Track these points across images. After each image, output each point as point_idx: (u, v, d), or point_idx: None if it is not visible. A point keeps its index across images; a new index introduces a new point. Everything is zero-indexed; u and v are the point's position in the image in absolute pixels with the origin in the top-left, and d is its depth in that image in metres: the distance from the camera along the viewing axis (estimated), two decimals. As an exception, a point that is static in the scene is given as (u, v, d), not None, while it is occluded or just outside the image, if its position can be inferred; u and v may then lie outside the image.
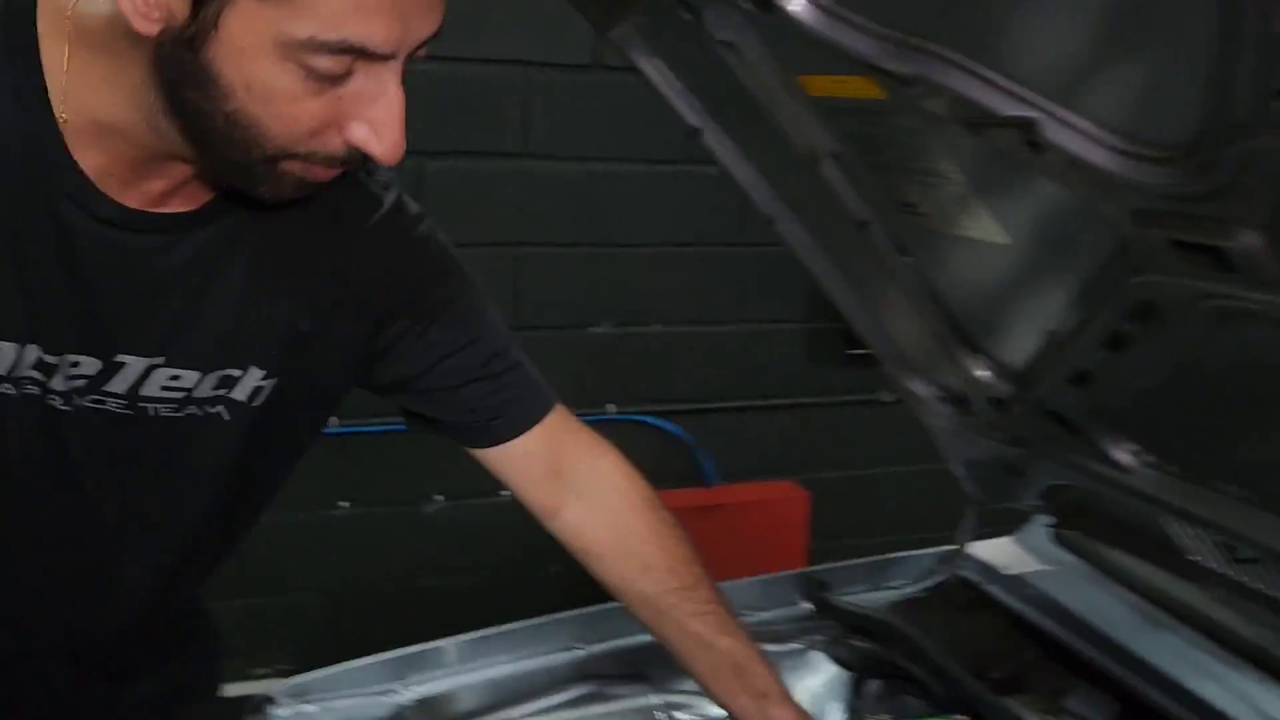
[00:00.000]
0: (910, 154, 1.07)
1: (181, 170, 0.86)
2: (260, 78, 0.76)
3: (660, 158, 3.07)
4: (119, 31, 0.76)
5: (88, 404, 0.92)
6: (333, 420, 3.09)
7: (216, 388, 0.96)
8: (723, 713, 1.21)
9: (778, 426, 3.37)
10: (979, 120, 0.84)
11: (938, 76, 0.85)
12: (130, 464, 0.97)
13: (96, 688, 1.07)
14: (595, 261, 3.08)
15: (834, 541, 3.26)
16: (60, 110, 0.82)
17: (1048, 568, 1.61)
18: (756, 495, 3.21)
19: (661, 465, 3.24)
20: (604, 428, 3.47)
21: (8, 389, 0.88)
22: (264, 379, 0.97)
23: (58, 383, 0.90)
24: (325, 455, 2.84)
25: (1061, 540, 1.65)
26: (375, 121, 0.80)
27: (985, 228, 1.06)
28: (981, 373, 1.34)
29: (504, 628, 1.49)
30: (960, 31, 0.84)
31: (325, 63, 0.75)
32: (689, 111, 1.34)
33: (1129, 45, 0.72)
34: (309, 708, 1.31)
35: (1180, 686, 1.28)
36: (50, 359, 0.88)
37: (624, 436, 3.59)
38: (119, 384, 0.92)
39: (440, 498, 3.07)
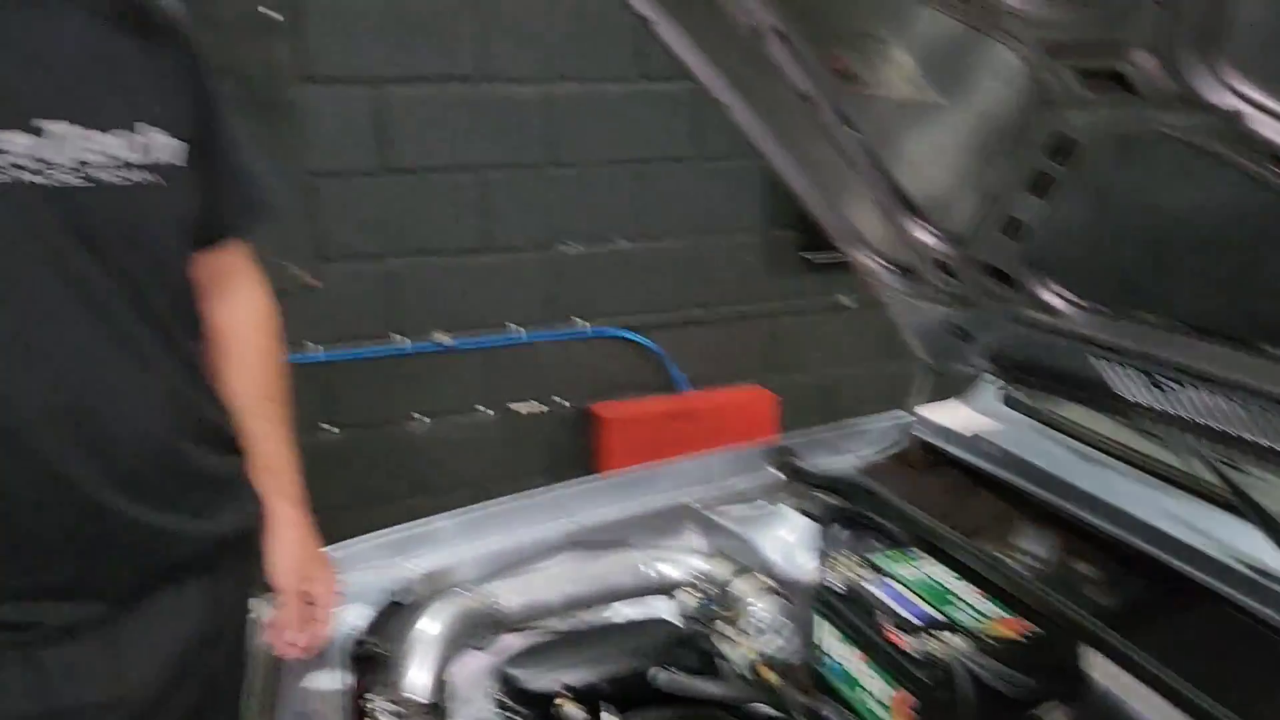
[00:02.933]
0: (848, 22, 1.15)
1: None
2: None
3: (614, 75, 3.13)
4: None
5: (41, 180, 1.00)
6: (316, 348, 3.18)
7: (140, 153, 1.07)
8: (725, 570, 1.35)
9: (742, 334, 3.48)
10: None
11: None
12: (96, 240, 1.05)
13: (141, 515, 1.11)
14: (558, 182, 3.15)
15: (803, 443, 3.40)
16: None
17: (997, 425, 1.73)
18: (725, 400, 3.33)
19: (633, 375, 3.35)
20: (576, 342, 3.58)
21: None
22: (168, 137, 1.09)
23: (7, 166, 0.98)
24: (309, 383, 2.93)
25: (1008, 400, 1.77)
26: None
27: (918, 88, 1.14)
28: (925, 237, 1.43)
29: (495, 503, 1.59)
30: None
31: None
32: (639, 2, 1.40)
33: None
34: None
35: (1116, 510, 1.41)
36: None
37: (595, 350, 3.71)
38: (59, 154, 1.01)
39: (421, 416, 3.16)
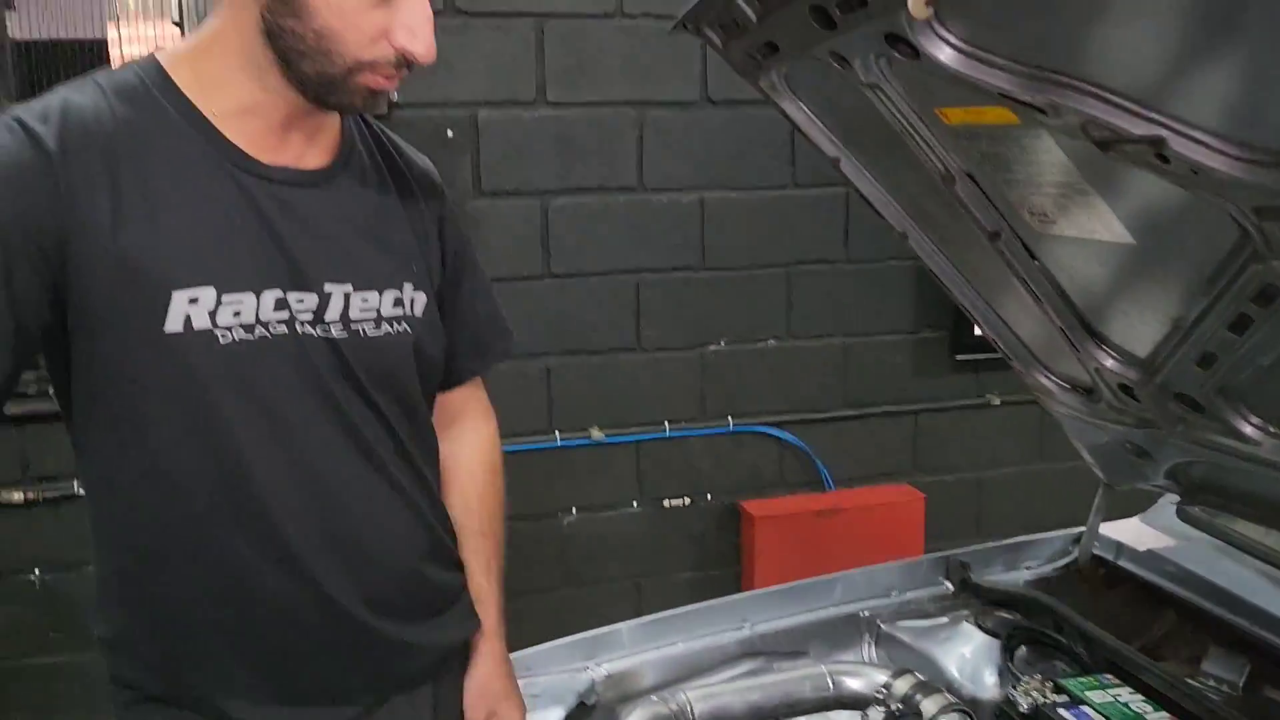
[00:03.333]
0: (1040, 170, 1.21)
1: (304, 127, 1.15)
2: None
3: (766, 184, 3.24)
4: (227, 32, 1.09)
5: (319, 334, 1.14)
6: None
7: (394, 306, 1.20)
8: (910, 687, 1.39)
9: (890, 432, 3.50)
10: (1111, 139, 0.99)
11: (1070, 103, 1.00)
12: (358, 382, 1.17)
13: (387, 629, 1.21)
14: (709, 284, 3.26)
15: (950, 542, 3.36)
16: (207, 112, 1.11)
17: (1176, 542, 1.72)
18: (874, 499, 3.34)
19: (781, 472, 3.40)
20: (725, 439, 3.65)
21: (262, 333, 1.10)
22: (415, 291, 1.23)
23: (295, 318, 1.12)
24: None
25: (1186, 516, 1.76)
26: (413, 25, 1.08)
27: (1111, 230, 1.20)
28: (1109, 362, 1.46)
29: (675, 611, 1.66)
30: (1086, 60, 0.98)
31: None
32: (827, 143, 1.49)
33: (1238, 69, 0.86)
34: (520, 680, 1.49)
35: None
36: (281, 298, 1.11)
37: (743, 446, 3.77)
38: (333, 312, 1.15)
39: (575, 510, 3.26)
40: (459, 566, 1.35)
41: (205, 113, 1.11)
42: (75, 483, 2.82)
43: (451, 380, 1.37)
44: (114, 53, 2.86)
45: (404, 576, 1.23)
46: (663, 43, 3.01)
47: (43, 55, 2.75)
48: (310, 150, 1.17)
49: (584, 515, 3.27)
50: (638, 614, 1.70)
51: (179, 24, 2.80)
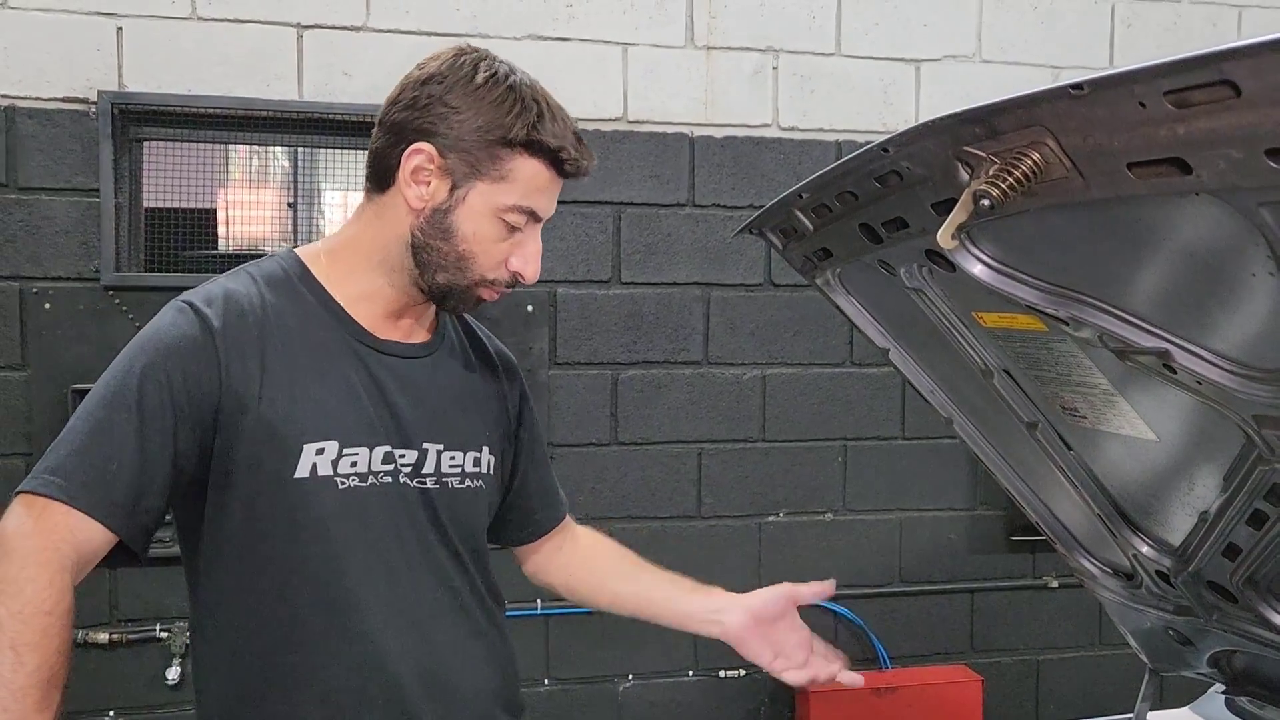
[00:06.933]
0: (1068, 370, 1.33)
1: (413, 313, 1.36)
2: (482, 227, 1.28)
3: (824, 361, 3.39)
4: (365, 236, 1.32)
5: (415, 485, 1.32)
6: (536, 603, 3.41)
7: (474, 465, 1.39)
8: None
9: (946, 611, 3.50)
10: (1123, 349, 1.12)
11: (1087, 317, 1.13)
12: (444, 530, 1.34)
13: (436, 705, 1.32)
14: (770, 455, 3.37)
15: (1008, 726, 3.34)
16: (337, 296, 1.32)
17: (1225, 733, 1.74)
18: (930, 678, 3.32)
19: (837, 648, 3.40)
20: (782, 612, 3.60)
21: (372, 481, 1.27)
22: (489, 454, 1.42)
23: (399, 470, 1.29)
24: (534, 636, 3.14)
25: (1233, 707, 1.78)
26: (528, 256, 1.32)
27: (1135, 427, 1.30)
28: (1145, 549, 1.54)
29: None
30: (1101, 283, 1.12)
31: (515, 218, 1.28)
32: (878, 335, 1.64)
33: (1231, 302, 0.99)
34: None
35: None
36: (389, 452, 1.29)
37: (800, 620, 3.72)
38: (428, 467, 1.33)
39: (630, 677, 3.29)
40: (521, 710, 1.46)
41: (336, 298, 1.32)
42: (158, 626, 2.96)
43: (548, 526, 1.60)
44: (220, 216, 3.18)
45: (479, 710, 1.35)
46: (729, 230, 3.23)
47: (164, 221, 3.05)
48: (416, 330, 1.39)
49: (639, 682, 3.30)
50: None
51: (292, 205, 3.09)
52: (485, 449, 1.41)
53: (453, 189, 1.26)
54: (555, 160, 1.27)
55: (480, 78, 1.25)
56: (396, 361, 1.33)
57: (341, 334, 1.30)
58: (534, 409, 1.56)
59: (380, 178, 1.30)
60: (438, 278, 1.29)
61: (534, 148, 1.25)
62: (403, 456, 1.30)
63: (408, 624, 1.28)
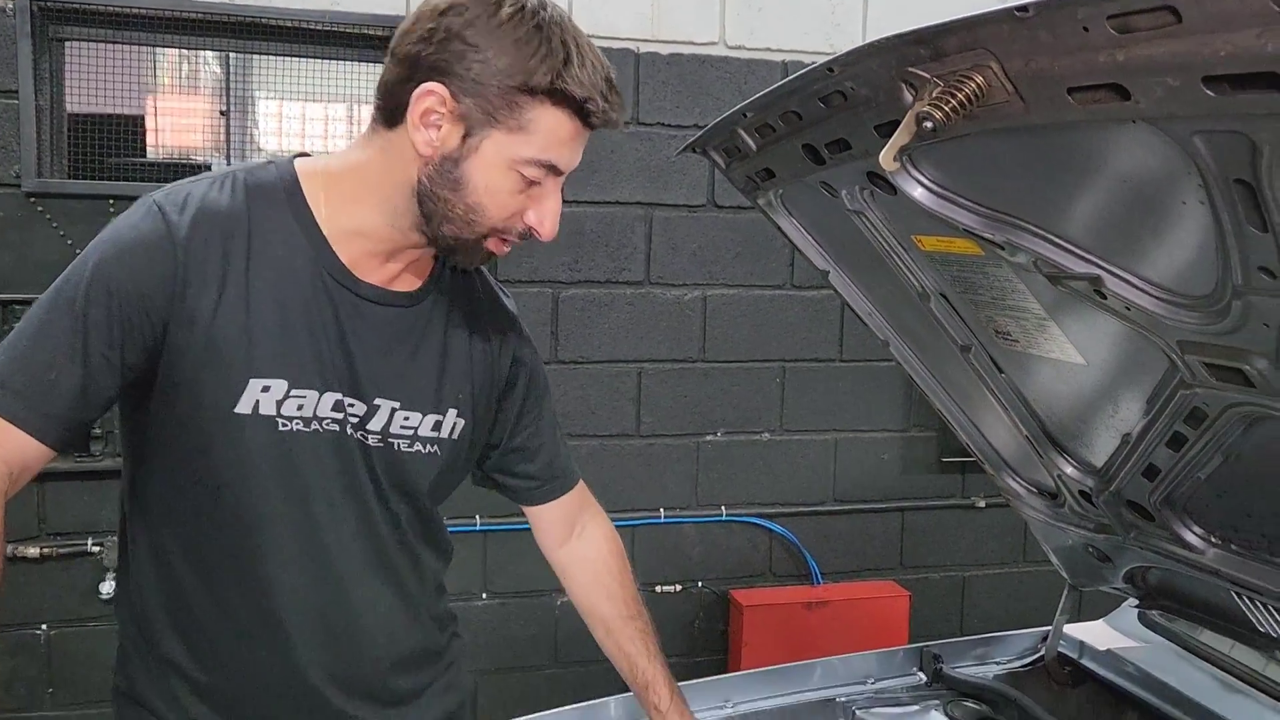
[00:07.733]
0: (1002, 294, 1.35)
1: (408, 256, 1.26)
2: (495, 180, 1.17)
3: (765, 283, 3.41)
4: (372, 171, 1.21)
5: (357, 437, 1.25)
6: (475, 519, 3.42)
7: (432, 429, 1.31)
8: None
9: (877, 529, 3.60)
10: (1056, 274, 1.14)
11: (1023, 242, 1.15)
12: (381, 487, 1.29)
13: (366, 713, 1.32)
14: (708, 376, 3.40)
15: (932, 639, 3.44)
16: (323, 224, 1.23)
17: (1136, 644, 1.82)
18: (859, 593, 3.42)
19: (771, 563, 3.49)
20: (717, 527, 3.74)
21: (315, 427, 1.22)
22: (457, 418, 1.33)
23: (347, 420, 1.23)
24: (471, 551, 3.16)
25: (1145, 620, 1.87)
26: (545, 211, 1.21)
27: (1064, 351, 1.34)
28: (1069, 469, 1.59)
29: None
30: (1038, 209, 1.13)
31: (533, 172, 1.17)
32: (818, 258, 1.64)
33: (1162, 229, 1.01)
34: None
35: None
36: (339, 400, 1.22)
37: (735, 536, 3.87)
38: (376, 423, 1.26)
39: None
40: (437, 662, 1.44)
41: (321, 225, 1.23)
42: (89, 541, 2.93)
43: (560, 489, 1.52)
44: (149, 123, 3.07)
45: (387, 665, 1.34)
46: (673, 148, 3.20)
47: (89, 127, 2.94)
48: (403, 276, 1.28)
49: (577, 596, 3.35)
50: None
51: (225, 113, 2.99)
52: (453, 412, 1.32)
53: (466, 136, 1.14)
54: (581, 111, 1.15)
55: (505, 12, 1.12)
56: (371, 307, 1.24)
57: (318, 267, 1.21)
58: (539, 378, 1.46)
59: (389, 113, 1.18)
60: (444, 229, 1.19)
61: (558, 96, 1.13)
62: (352, 406, 1.24)
63: (316, 569, 1.25)
